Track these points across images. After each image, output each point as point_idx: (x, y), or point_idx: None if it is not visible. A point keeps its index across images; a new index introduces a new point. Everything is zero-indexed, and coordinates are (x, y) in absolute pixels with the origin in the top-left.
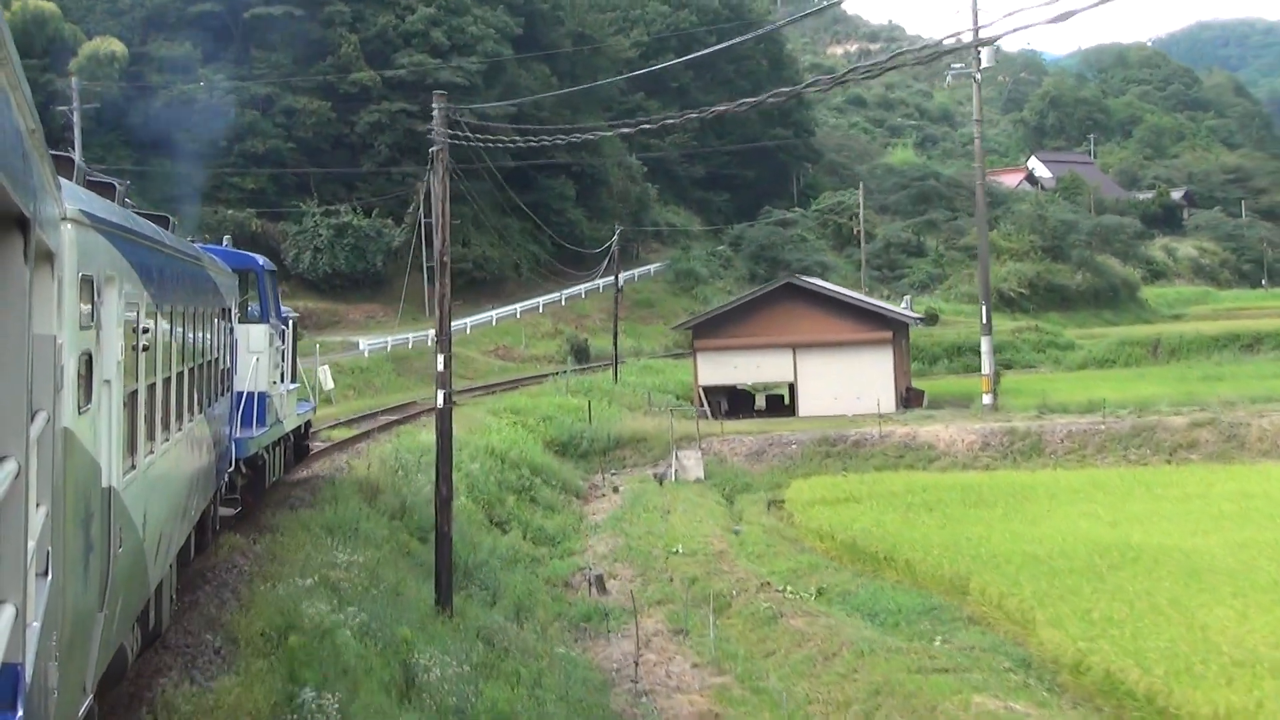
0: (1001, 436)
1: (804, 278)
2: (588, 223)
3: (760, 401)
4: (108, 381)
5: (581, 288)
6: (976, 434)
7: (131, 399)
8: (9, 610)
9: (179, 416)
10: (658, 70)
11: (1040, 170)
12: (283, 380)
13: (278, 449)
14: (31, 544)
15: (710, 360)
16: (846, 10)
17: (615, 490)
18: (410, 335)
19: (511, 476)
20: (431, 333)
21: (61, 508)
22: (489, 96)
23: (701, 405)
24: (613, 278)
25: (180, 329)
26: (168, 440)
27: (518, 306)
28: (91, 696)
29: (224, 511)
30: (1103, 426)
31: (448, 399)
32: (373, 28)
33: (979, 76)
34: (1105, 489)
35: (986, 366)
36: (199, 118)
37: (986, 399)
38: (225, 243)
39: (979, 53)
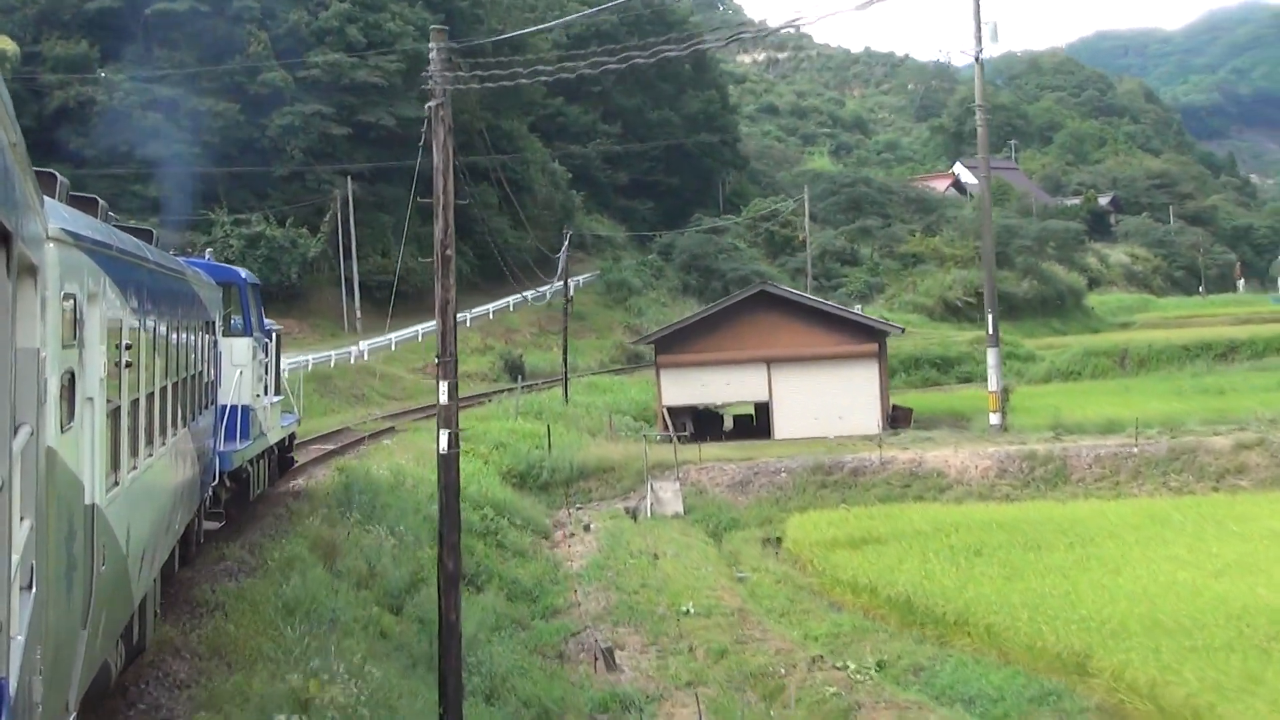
0: (1020, 462)
1: (778, 286)
2: (512, 231)
3: (728, 423)
4: (90, 399)
5: (509, 300)
6: (991, 459)
7: (115, 415)
8: None
9: (163, 431)
10: (579, 73)
11: (966, 176)
12: (266, 393)
13: (262, 461)
14: (15, 557)
15: (675, 378)
16: (753, 18)
17: (586, 529)
18: (332, 353)
19: (474, 517)
20: (356, 349)
21: (44, 526)
22: (408, 99)
23: (666, 428)
24: (542, 289)
25: (164, 344)
26: (151, 455)
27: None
28: (75, 714)
29: (208, 525)
30: (1135, 449)
31: (454, 441)
32: (284, 25)
33: (981, 54)
34: (1167, 524)
35: (994, 382)
36: (97, 120)
37: (994, 418)
38: (208, 256)
39: (980, 30)
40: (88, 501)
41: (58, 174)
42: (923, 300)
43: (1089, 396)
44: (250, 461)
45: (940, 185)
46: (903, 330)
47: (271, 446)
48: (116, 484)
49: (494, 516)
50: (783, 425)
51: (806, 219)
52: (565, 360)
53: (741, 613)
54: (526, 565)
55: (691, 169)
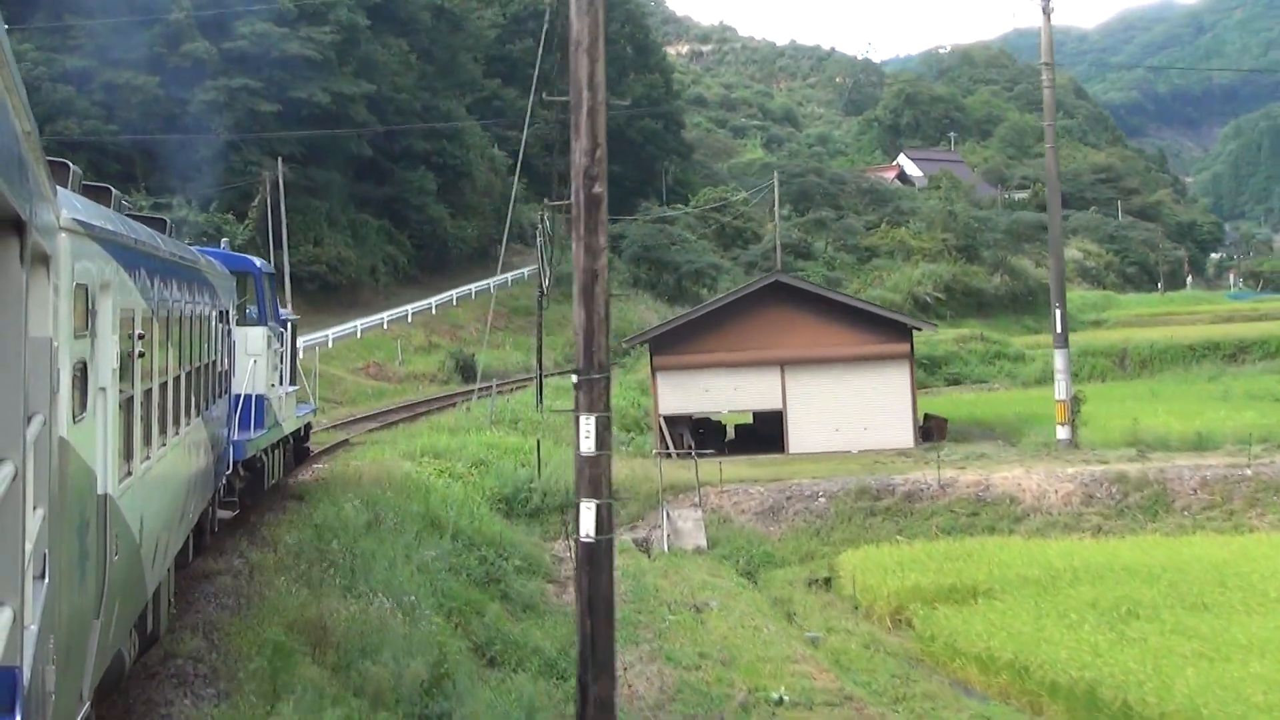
0: (1108, 486)
1: (793, 276)
2: (451, 220)
3: (729, 434)
4: (103, 389)
5: (453, 293)
6: (1073, 482)
7: (128, 405)
8: (7, 613)
9: (176, 421)
10: (516, 56)
11: (910, 169)
12: (281, 382)
13: (277, 451)
14: (29, 546)
15: (674, 382)
16: (676, 11)
17: None
18: None
19: (472, 561)
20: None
21: (57, 516)
22: (343, 73)
23: (664, 442)
24: (487, 282)
25: (177, 333)
26: (164, 445)
27: (384, 316)
28: (89, 703)
29: (222, 514)
30: (1247, 471)
31: (605, 522)
32: None
33: (1051, 7)
34: None
35: (1062, 389)
36: None
37: (1063, 432)
38: (223, 245)
39: None
40: (100, 491)
41: (70, 163)
42: (890, 296)
43: (1114, 403)
44: (265, 451)
45: (885, 177)
46: (935, 327)
47: (287, 436)
48: (130, 474)
49: (494, 558)
50: (799, 437)
51: (777, 208)
52: (540, 361)
53: (850, 701)
54: (542, 624)
55: (633, 157)
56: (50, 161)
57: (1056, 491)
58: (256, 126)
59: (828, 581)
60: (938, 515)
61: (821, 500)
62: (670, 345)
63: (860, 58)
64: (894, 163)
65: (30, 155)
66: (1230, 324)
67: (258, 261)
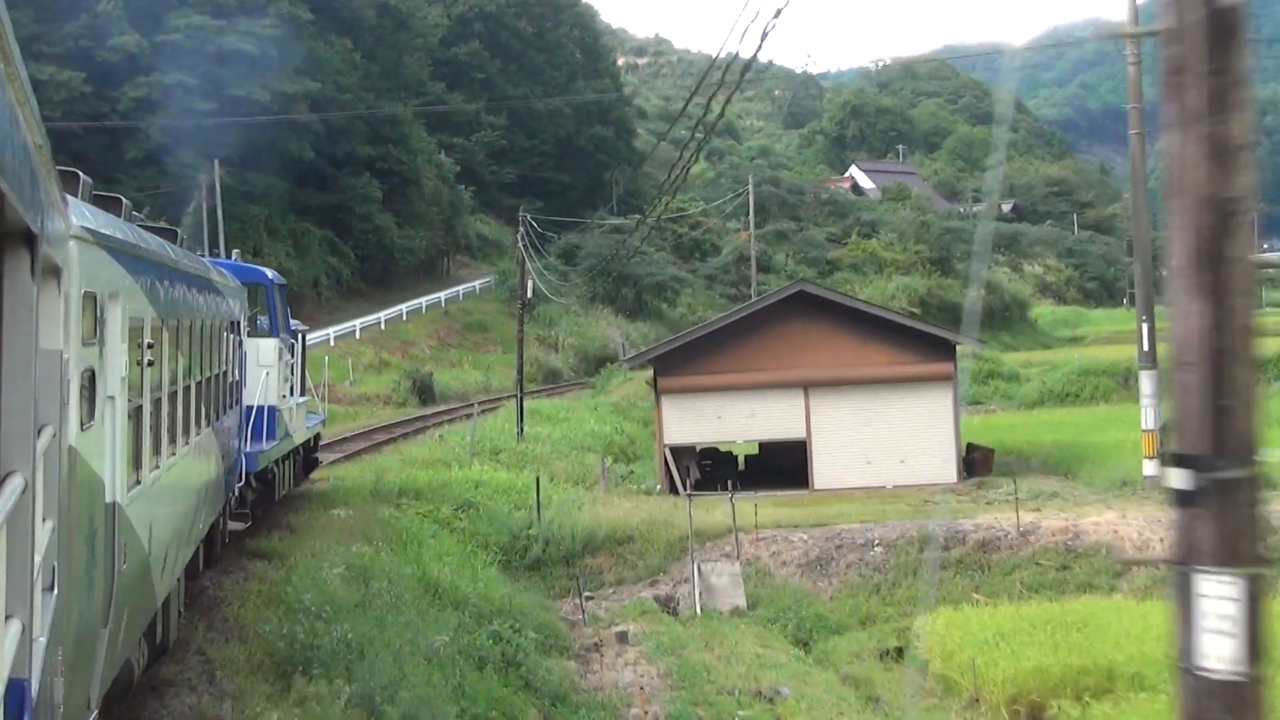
0: None
1: (818, 286)
2: (398, 230)
3: (740, 465)
4: (111, 398)
5: (403, 307)
6: None
7: (136, 414)
8: (16, 625)
9: (185, 431)
10: (461, 59)
11: (863, 180)
12: (292, 394)
13: (287, 462)
14: (38, 559)
15: (681, 408)
16: (612, 23)
17: (623, 638)
18: None
19: (484, 640)
20: None
21: (66, 524)
22: (284, 70)
23: (670, 477)
24: (438, 296)
25: (187, 343)
26: (174, 455)
27: (330, 332)
28: (97, 711)
29: (233, 525)
30: None
31: None
32: None
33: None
34: None
35: (1151, 418)
36: None
37: (1151, 468)
38: (235, 256)
39: None
40: (109, 499)
41: (80, 174)
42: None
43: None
44: (276, 462)
45: (841, 189)
46: (983, 344)
47: (297, 447)
48: (139, 482)
49: (509, 634)
50: (825, 471)
51: (751, 217)
52: (520, 383)
53: None
54: None
55: (583, 165)
56: (61, 171)
57: (1162, 540)
58: (190, 125)
59: (899, 651)
60: (1020, 568)
61: (878, 550)
62: (678, 365)
63: (799, 71)
64: (845, 174)
65: (42, 167)
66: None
67: (269, 273)
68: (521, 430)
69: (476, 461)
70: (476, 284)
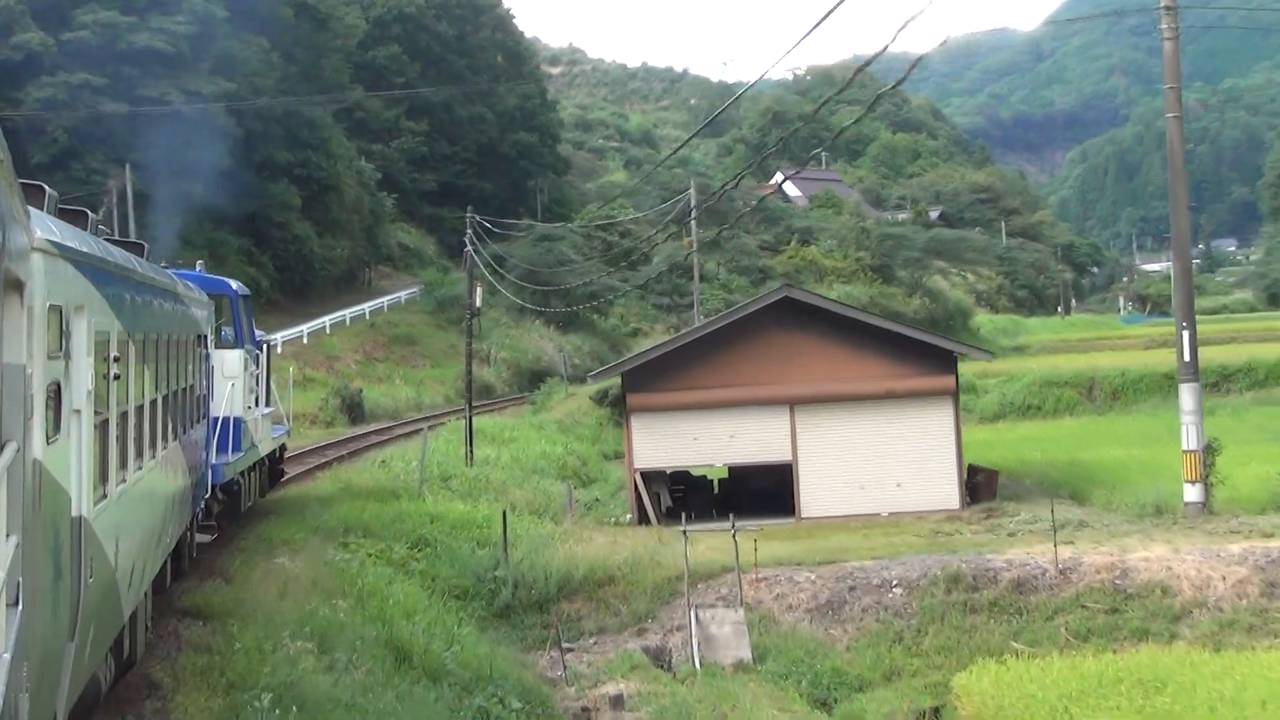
0: None
1: (805, 290)
2: (318, 239)
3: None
4: (77, 411)
5: (326, 320)
6: (1243, 564)
7: (103, 427)
8: None
9: (152, 444)
10: (380, 63)
11: (789, 188)
12: (257, 405)
13: (253, 474)
14: (2, 574)
15: (653, 428)
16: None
17: (618, 704)
18: None
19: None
20: None
21: (31, 539)
22: (199, 70)
23: (640, 505)
24: (362, 308)
25: (154, 356)
26: (140, 468)
27: None
28: None
29: (201, 538)
30: None
31: None
32: None
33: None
34: None
35: (1193, 437)
36: None
37: (1192, 492)
38: (199, 268)
39: None
40: (75, 514)
41: (46, 186)
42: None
43: (1148, 446)
44: (242, 474)
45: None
46: (992, 355)
47: (263, 458)
48: (105, 496)
49: (493, 707)
50: (814, 497)
51: (694, 222)
52: (470, 401)
53: None
54: None
55: (506, 173)
56: (25, 184)
57: (1224, 579)
58: (100, 129)
59: (936, 713)
60: (1064, 612)
61: (897, 591)
62: (649, 380)
63: (715, 80)
64: (772, 182)
65: (3, 181)
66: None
67: (234, 284)
68: (471, 454)
69: (426, 490)
70: (402, 295)
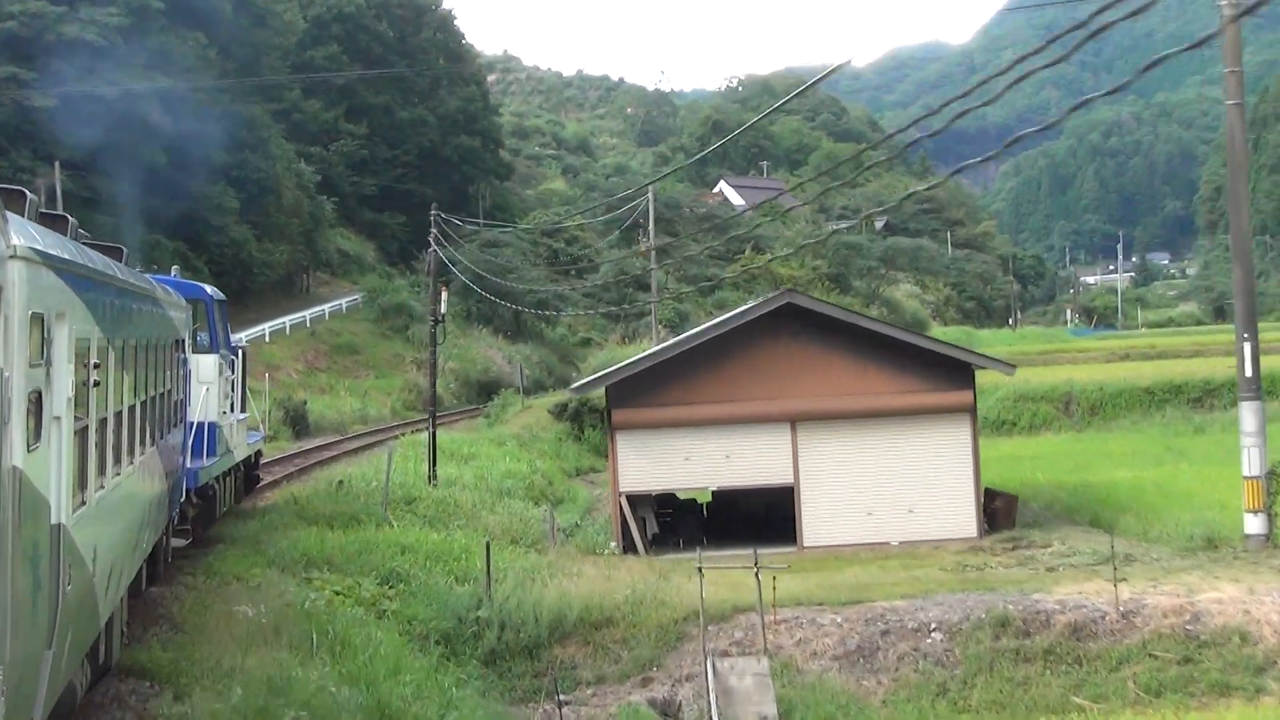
0: None
1: (809, 296)
2: (256, 244)
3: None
4: (58, 418)
5: (265, 327)
6: None
7: (82, 434)
8: None
9: (131, 450)
10: (319, 63)
11: (732, 196)
12: (233, 410)
13: (228, 479)
14: None
15: (640, 447)
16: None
17: None
18: None
19: None
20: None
21: (10, 546)
22: (133, 65)
23: (626, 533)
24: (303, 315)
25: (133, 362)
26: (119, 474)
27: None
28: None
29: (176, 542)
30: None
31: None
32: None
33: None
34: None
35: (1255, 462)
36: None
37: (1255, 524)
38: (174, 273)
39: None
40: (54, 521)
41: (27, 191)
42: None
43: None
44: (217, 479)
45: (713, 204)
46: (1013, 369)
47: (238, 464)
48: (84, 503)
49: None
50: (817, 525)
51: (651, 227)
52: (433, 414)
53: None
54: None
55: (448, 178)
56: (6, 190)
57: None
58: (27, 124)
59: None
60: (1130, 663)
61: (936, 636)
62: (636, 394)
63: (651, 89)
64: (715, 190)
65: None
66: (1159, 361)
67: (209, 289)
68: (434, 474)
69: (391, 514)
70: (343, 302)
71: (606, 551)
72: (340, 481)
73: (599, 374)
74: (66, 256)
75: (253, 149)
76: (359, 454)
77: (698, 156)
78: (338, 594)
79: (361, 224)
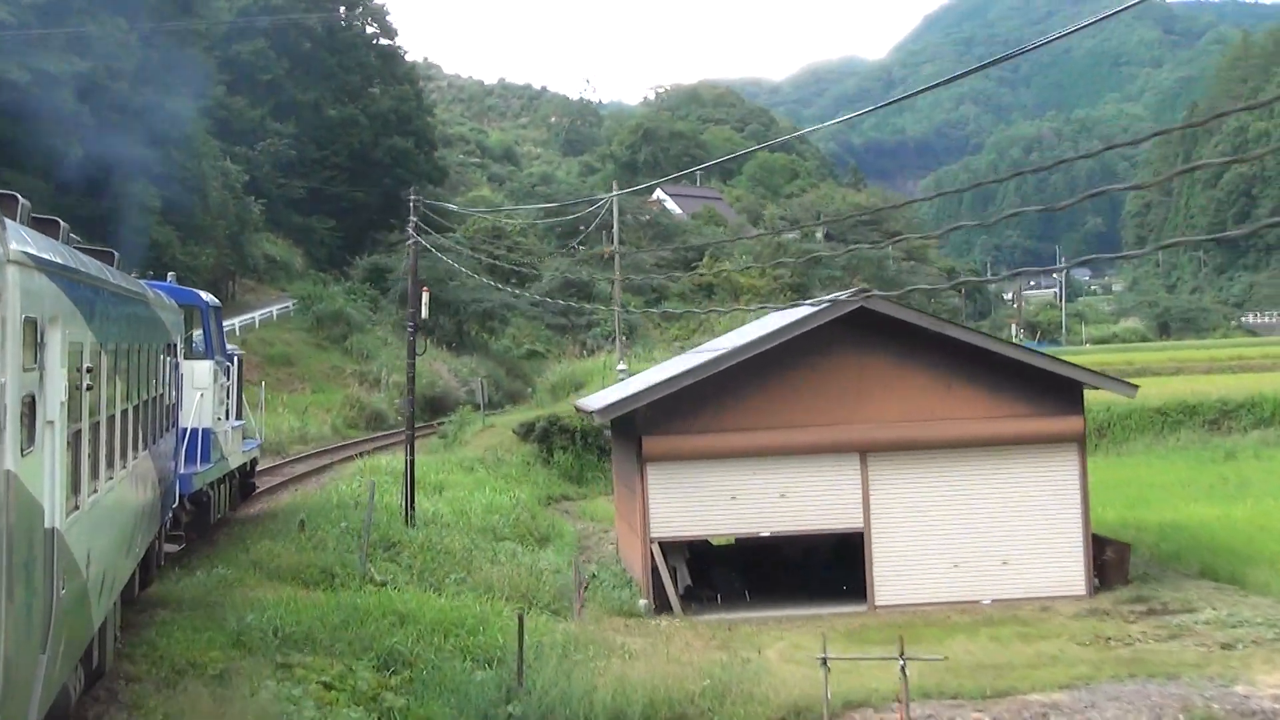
0: None
1: (887, 300)
2: (180, 246)
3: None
4: (51, 422)
5: None
6: None
7: (75, 438)
8: None
9: (124, 454)
10: (245, 58)
11: (670, 205)
12: (228, 417)
13: (223, 485)
14: None
15: (675, 484)
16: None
17: None
18: None
19: None
20: None
21: (3, 550)
22: (49, 49)
23: (659, 583)
24: (231, 323)
25: (125, 367)
26: (112, 479)
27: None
28: None
29: (169, 548)
30: None
31: None
32: None
33: None
34: None
35: None
36: None
37: None
38: (170, 279)
39: None
40: (48, 525)
41: (19, 196)
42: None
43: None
44: (211, 485)
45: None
46: (1135, 390)
47: (233, 470)
48: (77, 507)
49: None
50: (891, 578)
51: (615, 229)
52: (411, 439)
53: None
54: None
55: (379, 180)
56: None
57: None
58: None
59: None
60: None
61: None
62: (671, 417)
63: (575, 98)
64: (653, 198)
65: None
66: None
67: (204, 295)
68: (412, 513)
69: (371, 563)
70: (274, 309)
71: (620, 607)
72: (301, 521)
73: (630, 395)
74: (60, 261)
75: (177, 145)
76: (305, 480)
77: (692, 169)
78: (326, 687)
79: (289, 228)
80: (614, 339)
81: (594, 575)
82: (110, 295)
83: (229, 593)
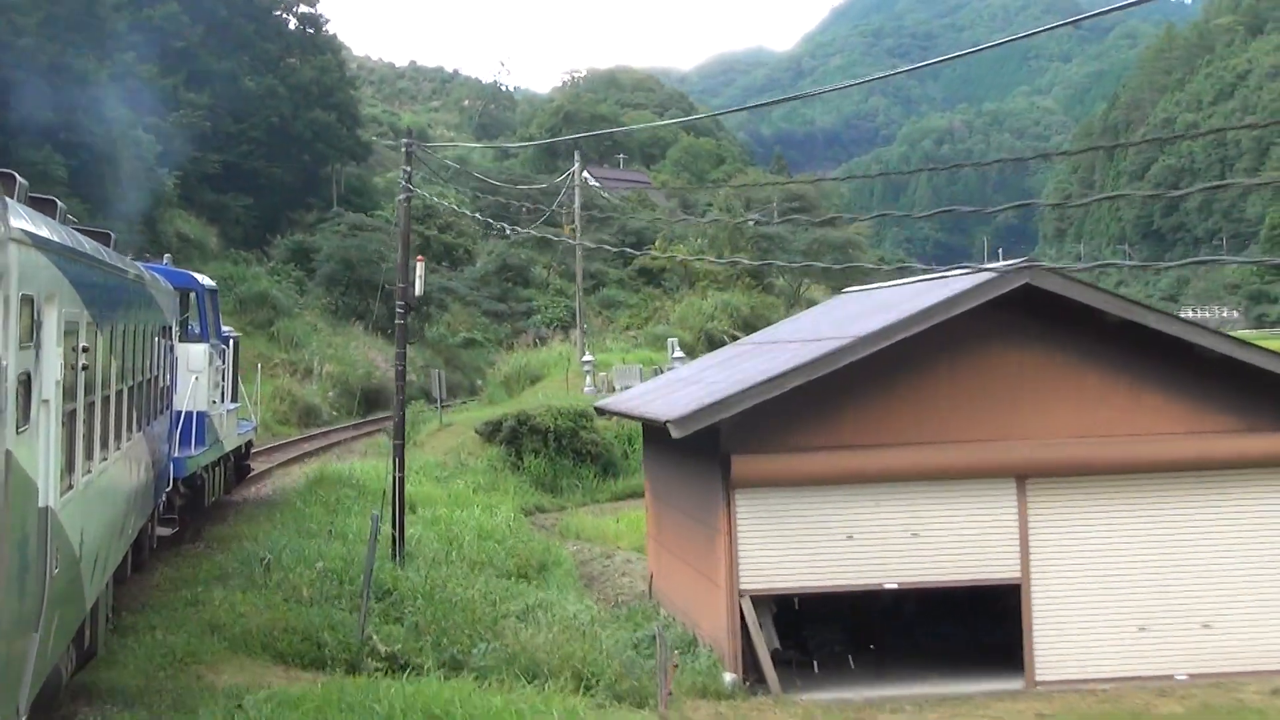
0: None
1: (1057, 275)
2: (89, 221)
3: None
4: (46, 401)
5: None
6: None
7: (70, 418)
8: None
9: (118, 435)
10: (156, 23)
11: (595, 186)
12: (223, 400)
13: (217, 469)
14: None
15: (772, 515)
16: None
17: None
18: None
19: None
20: None
21: None
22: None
23: (752, 651)
24: None
25: (120, 347)
26: (106, 459)
27: None
28: (24, 718)
29: (162, 531)
30: None
31: None
32: None
33: None
34: None
35: None
36: None
37: None
38: (166, 260)
39: None
40: (42, 504)
41: (16, 175)
42: (678, 334)
43: None
44: (205, 468)
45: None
46: None
47: (228, 454)
48: (71, 487)
49: None
50: (1058, 644)
51: (577, 213)
52: (400, 448)
53: None
54: None
55: (299, 156)
56: None
57: None
58: None
59: None
60: None
61: None
62: (768, 431)
63: (488, 81)
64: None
65: None
66: None
67: (200, 278)
68: (398, 553)
69: (374, 632)
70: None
71: (703, 685)
72: (264, 562)
73: (719, 400)
74: (58, 240)
75: (85, 110)
76: (247, 490)
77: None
78: None
79: (203, 205)
80: (555, 327)
81: (637, 631)
82: (106, 275)
83: (177, 675)
